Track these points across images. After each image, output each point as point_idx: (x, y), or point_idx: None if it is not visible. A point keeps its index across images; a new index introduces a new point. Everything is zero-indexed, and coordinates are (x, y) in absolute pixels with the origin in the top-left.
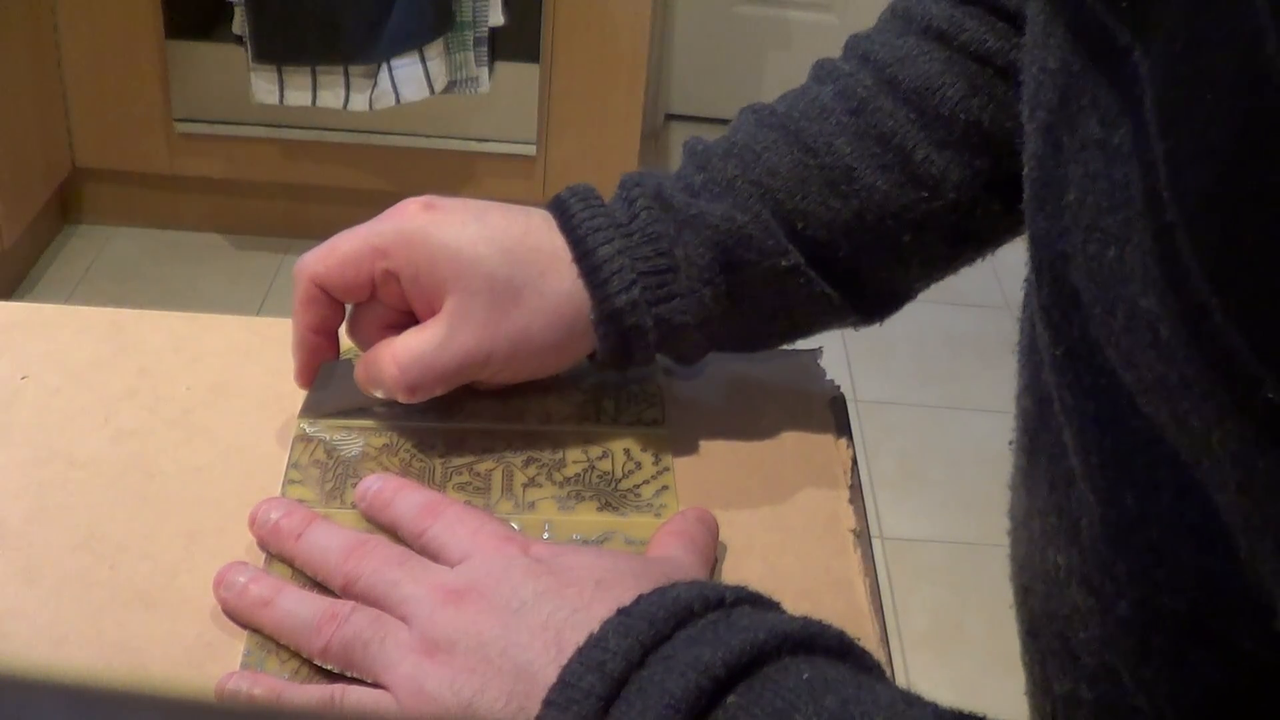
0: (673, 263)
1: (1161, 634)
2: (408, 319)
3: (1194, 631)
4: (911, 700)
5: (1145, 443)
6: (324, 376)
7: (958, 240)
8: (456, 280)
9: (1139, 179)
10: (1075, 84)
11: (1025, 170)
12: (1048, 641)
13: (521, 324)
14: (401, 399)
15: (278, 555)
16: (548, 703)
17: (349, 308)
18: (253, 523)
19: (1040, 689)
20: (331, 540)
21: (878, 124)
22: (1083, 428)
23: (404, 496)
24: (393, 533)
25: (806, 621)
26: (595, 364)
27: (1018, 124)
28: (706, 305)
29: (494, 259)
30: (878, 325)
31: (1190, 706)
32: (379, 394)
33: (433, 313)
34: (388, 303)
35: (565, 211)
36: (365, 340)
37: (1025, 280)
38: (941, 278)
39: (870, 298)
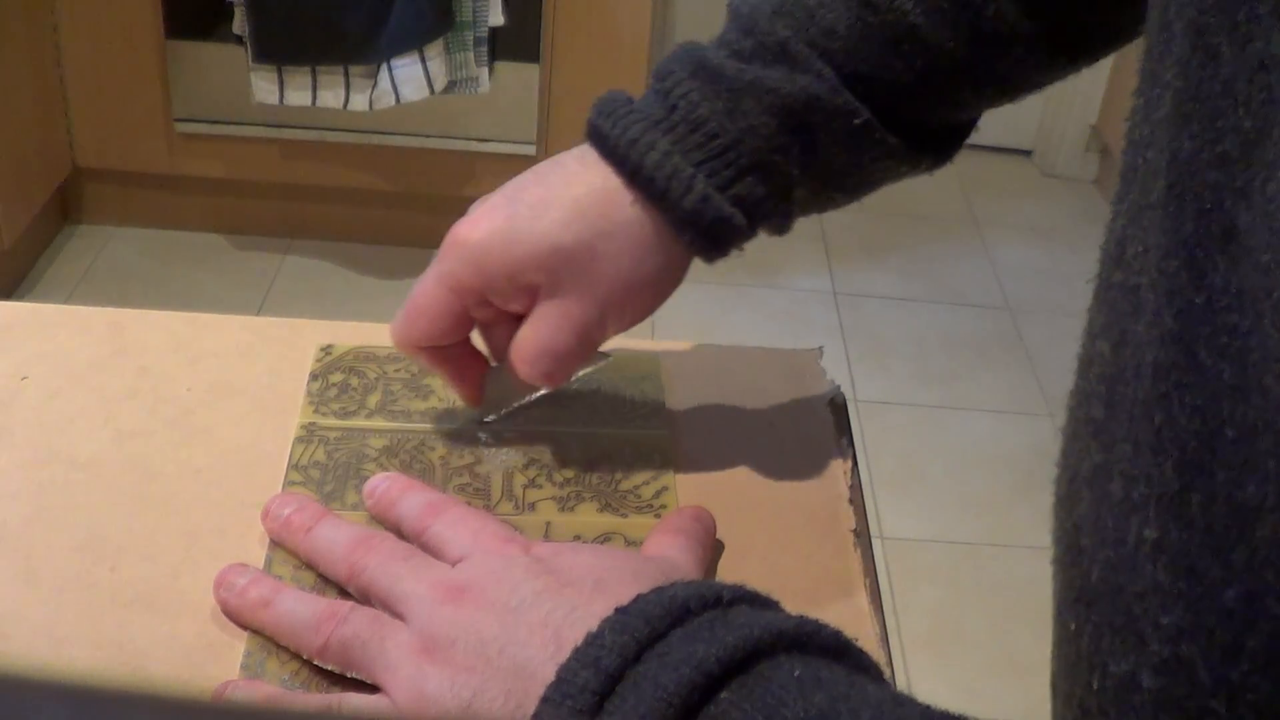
0: (731, 140)
1: (1260, 637)
2: (525, 315)
3: None
4: (901, 700)
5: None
6: (491, 381)
7: (1018, 91)
8: (534, 270)
9: None
10: None
11: (1161, 73)
12: (1107, 615)
13: (611, 274)
14: (549, 387)
15: (287, 550)
16: (544, 699)
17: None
18: (265, 516)
19: (1086, 661)
20: (339, 534)
21: None
22: (1210, 394)
23: (410, 495)
24: (397, 530)
25: (802, 620)
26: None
27: None
28: (781, 172)
29: (554, 232)
30: (930, 168)
31: None
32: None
33: (534, 302)
34: (495, 319)
35: (599, 136)
36: (499, 351)
37: (1115, 200)
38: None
39: (939, 141)
